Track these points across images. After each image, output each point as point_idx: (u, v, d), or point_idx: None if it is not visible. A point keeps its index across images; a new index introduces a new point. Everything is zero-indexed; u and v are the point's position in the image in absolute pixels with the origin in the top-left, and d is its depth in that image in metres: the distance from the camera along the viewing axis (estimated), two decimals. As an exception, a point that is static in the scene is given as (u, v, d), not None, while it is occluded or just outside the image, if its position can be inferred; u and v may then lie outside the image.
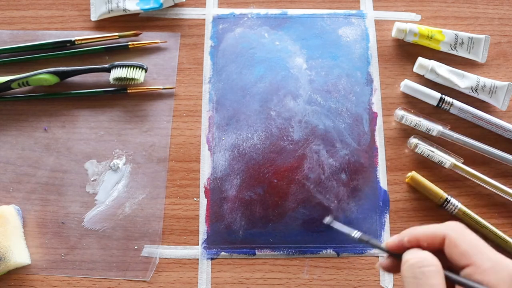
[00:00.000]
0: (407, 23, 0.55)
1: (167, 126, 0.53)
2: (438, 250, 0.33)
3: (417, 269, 0.32)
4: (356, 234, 0.40)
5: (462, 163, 0.51)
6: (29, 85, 0.53)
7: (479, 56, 0.56)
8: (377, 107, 0.54)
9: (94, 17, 0.56)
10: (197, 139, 0.53)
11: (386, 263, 0.37)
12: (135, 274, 0.48)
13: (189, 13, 0.57)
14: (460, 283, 0.31)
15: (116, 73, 0.52)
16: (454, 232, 0.33)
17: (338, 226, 0.42)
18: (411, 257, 0.33)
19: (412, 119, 0.52)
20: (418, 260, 0.32)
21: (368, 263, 0.49)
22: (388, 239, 0.37)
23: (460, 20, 0.58)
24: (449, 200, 0.49)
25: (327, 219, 0.44)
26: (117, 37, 0.55)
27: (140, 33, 0.55)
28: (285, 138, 0.52)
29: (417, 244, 0.34)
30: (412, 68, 0.55)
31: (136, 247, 0.49)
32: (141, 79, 0.53)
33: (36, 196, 0.50)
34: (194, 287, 0.48)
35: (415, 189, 0.51)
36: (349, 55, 0.56)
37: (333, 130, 0.53)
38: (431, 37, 0.55)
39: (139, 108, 0.54)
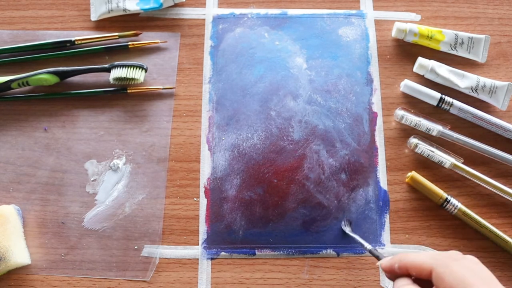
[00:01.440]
0: (407, 23, 0.55)
1: (167, 126, 0.53)
2: (427, 280, 0.34)
3: None
4: (368, 246, 0.44)
5: (462, 163, 0.51)
6: (29, 85, 0.53)
7: (479, 56, 0.56)
8: (377, 107, 0.54)
9: (94, 17, 0.56)
10: (197, 139, 0.53)
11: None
12: (135, 274, 0.48)
13: (189, 13, 0.57)
14: None
15: (116, 73, 0.52)
16: (440, 266, 0.32)
17: (354, 235, 0.47)
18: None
19: (412, 119, 0.52)
20: None
21: (368, 263, 0.49)
22: (382, 260, 0.38)
23: (460, 20, 0.58)
24: (449, 200, 0.49)
25: (347, 229, 0.48)
26: (117, 37, 0.55)
27: (140, 33, 0.55)
28: (285, 138, 0.52)
29: (407, 272, 0.35)
30: (412, 68, 0.55)
31: (136, 247, 0.49)
32: (141, 79, 0.53)
33: (36, 196, 0.50)
34: (194, 287, 0.48)
35: (415, 189, 0.51)
36: (349, 55, 0.56)
37: (333, 130, 0.53)
38: (431, 37, 0.55)
39: (139, 108, 0.54)
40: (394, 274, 0.36)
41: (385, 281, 0.48)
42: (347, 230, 0.48)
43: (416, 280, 0.35)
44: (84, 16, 0.57)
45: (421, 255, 0.34)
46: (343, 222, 0.49)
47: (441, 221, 0.50)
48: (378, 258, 0.42)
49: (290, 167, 0.51)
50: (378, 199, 0.51)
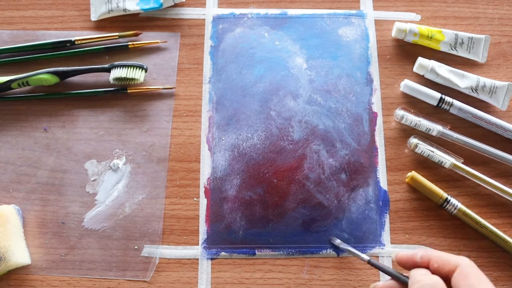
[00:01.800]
0: (407, 23, 0.55)
1: (167, 126, 0.53)
2: (443, 276, 0.36)
3: None
4: (365, 257, 0.44)
5: (462, 163, 0.51)
6: (29, 85, 0.53)
7: (479, 56, 0.56)
8: (377, 107, 0.54)
9: (94, 17, 0.56)
10: (197, 139, 0.53)
11: (383, 286, 0.39)
12: (135, 274, 0.48)
13: (189, 13, 0.57)
14: None
15: (116, 73, 0.52)
16: (467, 265, 0.36)
17: (348, 247, 0.46)
18: (424, 278, 0.35)
19: (412, 119, 0.52)
20: (432, 283, 0.35)
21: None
22: (398, 252, 0.40)
23: (460, 20, 0.58)
24: (449, 200, 0.49)
25: (337, 241, 0.48)
26: (117, 37, 0.55)
27: (140, 33, 0.55)
28: (285, 138, 0.52)
29: (427, 264, 0.37)
30: (412, 68, 0.55)
31: (136, 247, 0.49)
32: (141, 79, 0.53)
33: (36, 196, 0.50)
34: (194, 287, 0.48)
35: (415, 189, 0.51)
36: (349, 55, 0.56)
37: (333, 130, 0.53)
38: (431, 37, 0.55)
39: (139, 108, 0.54)
40: (412, 265, 0.38)
41: (385, 281, 0.48)
42: (337, 242, 0.48)
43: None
44: (84, 16, 0.57)
45: (446, 253, 0.38)
46: (332, 239, 0.49)
47: (441, 221, 0.50)
48: (379, 268, 0.42)
49: (290, 167, 0.51)
50: (378, 199, 0.51)
